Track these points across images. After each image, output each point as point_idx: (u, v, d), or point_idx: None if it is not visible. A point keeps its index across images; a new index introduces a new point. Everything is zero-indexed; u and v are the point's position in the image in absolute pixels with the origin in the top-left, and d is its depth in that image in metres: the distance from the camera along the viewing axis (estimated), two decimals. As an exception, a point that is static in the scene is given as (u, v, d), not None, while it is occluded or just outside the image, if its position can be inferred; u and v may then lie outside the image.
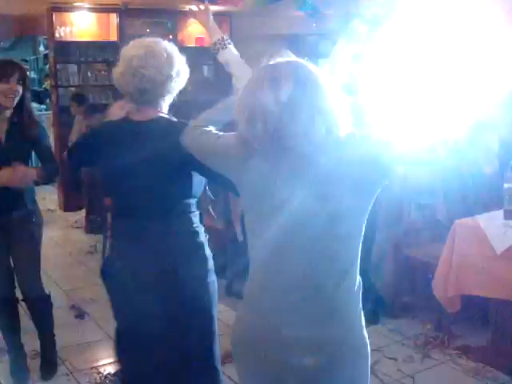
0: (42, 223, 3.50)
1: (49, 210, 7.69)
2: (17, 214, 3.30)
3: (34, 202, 3.43)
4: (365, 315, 4.31)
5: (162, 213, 2.31)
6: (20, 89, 3.19)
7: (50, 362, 3.58)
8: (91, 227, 6.67)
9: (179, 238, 2.34)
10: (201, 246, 2.39)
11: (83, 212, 7.09)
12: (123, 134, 2.37)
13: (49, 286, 4.97)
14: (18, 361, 3.51)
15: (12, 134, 3.25)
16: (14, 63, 3.30)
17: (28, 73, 3.62)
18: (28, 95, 3.31)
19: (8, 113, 3.25)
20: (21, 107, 3.25)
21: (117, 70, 2.33)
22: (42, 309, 3.53)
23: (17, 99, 3.20)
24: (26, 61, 14.25)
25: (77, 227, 7.09)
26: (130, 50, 2.30)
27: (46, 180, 3.34)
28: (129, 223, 2.37)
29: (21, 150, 3.25)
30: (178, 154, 2.13)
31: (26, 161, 3.26)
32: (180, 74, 2.33)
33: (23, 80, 3.22)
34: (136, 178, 2.29)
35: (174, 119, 2.40)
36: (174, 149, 2.14)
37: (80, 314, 4.41)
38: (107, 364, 3.70)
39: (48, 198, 8.09)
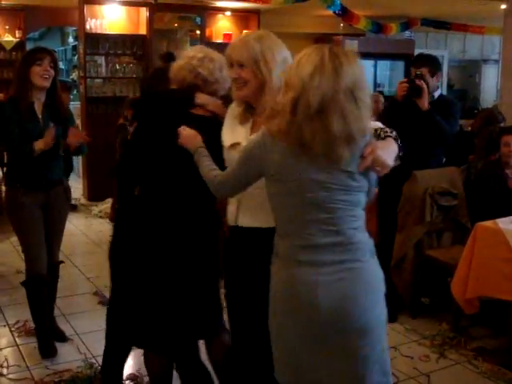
0: (70, 201, 3.92)
1: (73, 198, 7.79)
2: (56, 189, 3.62)
3: (67, 180, 3.64)
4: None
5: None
6: (52, 71, 3.46)
7: (59, 329, 3.86)
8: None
9: None
10: None
11: (108, 202, 7.19)
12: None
13: (72, 273, 5.12)
14: (46, 339, 3.68)
15: (47, 115, 3.51)
16: (45, 49, 3.61)
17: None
18: (58, 80, 3.58)
19: (43, 95, 3.50)
20: (52, 91, 3.52)
21: (176, 64, 2.65)
22: (55, 277, 3.82)
23: (50, 80, 3.46)
24: (54, 51, 14.42)
25: (100, 217, 7.19)
26: (192, 51, 2.67)
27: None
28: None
29: (56, 131, 3.46)
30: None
31: (59, 140, 3.49)
32: (225, 81, 2.63)
33: (54, 64, 3.48)
34: None
35: None
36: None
37: (103, 301, 4.49)
38: (128, 350, 3.80)
39: (73, 187, 8.16)
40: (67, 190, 3.73)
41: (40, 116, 3.50)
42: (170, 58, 6.77)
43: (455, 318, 3.98)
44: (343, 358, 2.07)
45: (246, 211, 2.34)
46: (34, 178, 3.51)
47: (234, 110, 2.50)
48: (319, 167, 1.99)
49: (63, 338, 3.81)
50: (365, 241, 2.09)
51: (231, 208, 2.40)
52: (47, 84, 3.45)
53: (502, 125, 5.23)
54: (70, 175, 7.69)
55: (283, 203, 2.07)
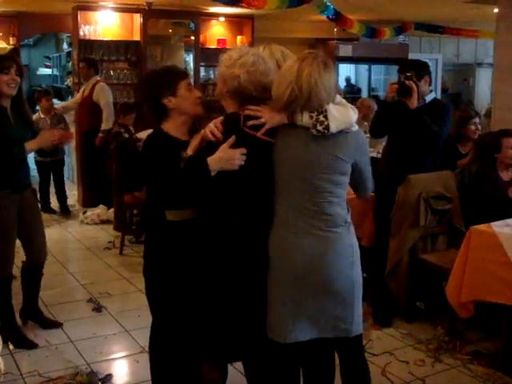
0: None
1: (68, 205, 7.76)
2: (28, 191, 3.76)
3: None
4: (378, 318, 4.38)
5: None
6: (18, 79, 3.58)
7: (43, 316, 4.11)
8: (119, 225, 6.37)
9: None
10: None
11: (99, 208, 7.12)
12: None
13: (67, 280, 5.11)
14: (19, 332, 3.88)
15: (16, 120, 3.63)
16: (11, 57, 3.76)
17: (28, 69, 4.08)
18: (23, 86, 3.72)
19: (9, 102, 3.62)
20: (19, 97, 3.64)
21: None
22: (40, 274, 4.00)
23: (17, 88, 3.58)
24: (49, 58, 14.39)
25: (86, 223, 6.95)
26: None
27: None
28: None
29: (26, 135, 3.65)
30: None
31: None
32: None
33: (20, 72, 3.60)
34: None
35: None
36: None
37: (97, 308, 4.48)
38: (123, 357, 3.79)
39: (68, 193, 8.18)
40: (34, 192, 3.94)
41: (12, 121, 3.62)
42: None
43: (450, 322, 3.97)
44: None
45: None
46: (14, 180, 3.62)
47: None
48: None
49: (52, 324, 4.06)
50: (338, 213, 2.46)
51: None
52: (14, 92, 3.58)
53: (475, 120, 5.18)
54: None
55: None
